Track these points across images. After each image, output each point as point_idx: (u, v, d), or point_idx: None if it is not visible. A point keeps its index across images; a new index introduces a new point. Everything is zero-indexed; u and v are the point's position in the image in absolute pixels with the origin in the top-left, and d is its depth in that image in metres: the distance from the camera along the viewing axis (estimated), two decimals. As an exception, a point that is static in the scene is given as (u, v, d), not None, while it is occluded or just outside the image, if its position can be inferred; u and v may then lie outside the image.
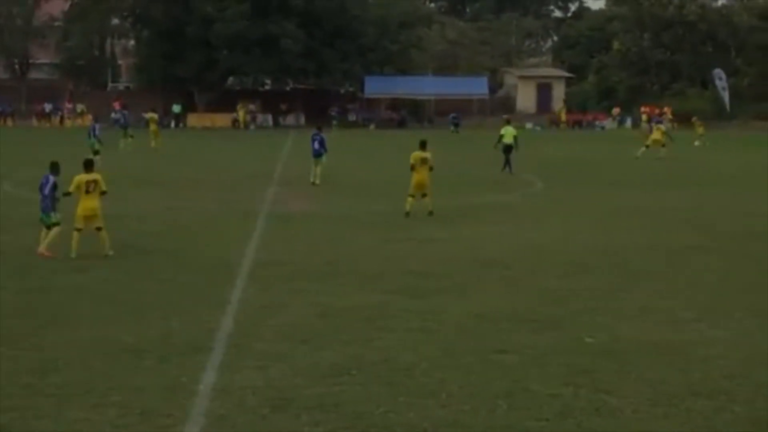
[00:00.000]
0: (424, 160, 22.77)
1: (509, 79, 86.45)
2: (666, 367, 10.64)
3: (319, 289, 14.78)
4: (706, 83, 75.36)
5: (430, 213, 22.69)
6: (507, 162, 34.10)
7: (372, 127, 72.71)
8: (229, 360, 10.83)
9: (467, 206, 25.27)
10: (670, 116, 66.29)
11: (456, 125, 61.21)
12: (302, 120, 74.21)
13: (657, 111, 69.94)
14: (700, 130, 51.79)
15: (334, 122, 67.40)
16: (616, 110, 74.52)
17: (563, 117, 74.60)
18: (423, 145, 23.03)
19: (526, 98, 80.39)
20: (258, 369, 10.45)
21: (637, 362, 10.81)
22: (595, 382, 10.06)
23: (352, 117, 75.91)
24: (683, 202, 26.51)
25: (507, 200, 26.92)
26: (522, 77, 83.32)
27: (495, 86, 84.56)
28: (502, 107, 77.45)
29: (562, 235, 20.50)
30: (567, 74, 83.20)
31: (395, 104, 77.58)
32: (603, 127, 72.90)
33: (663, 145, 41.38)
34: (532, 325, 12.51)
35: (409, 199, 22.85)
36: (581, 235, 20.51)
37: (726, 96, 71.76)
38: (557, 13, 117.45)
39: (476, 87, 76.78)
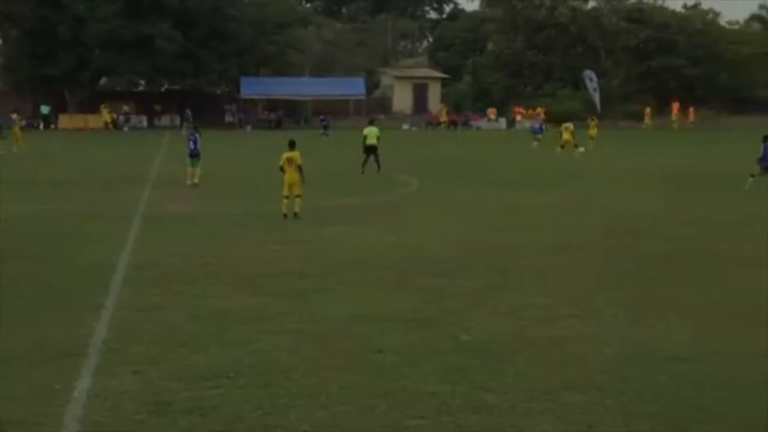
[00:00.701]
0: (290, 160, 22.71)
1: (386, 80, 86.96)
2: (542, 364, 10.81)
3: (195, 291, 14.59)
4: (578, 84, 77.05)
5: (295, 215, 22.58)
6: (366, 162, 34.41)
7: (249, 128, 72.24)
8: (104, 365, 10.60)
9: (346, 207, 25.32)
10: (543, 116, 67.57)
11: (325, 128, 58.31)
12: (177, 121, 73.30)
13: (530, 111, 71.45)
14: (593, 131, 49.71)
15: (186, 122, 65.10)
16: (491, 111, 75.61)
17: (444, 117, 75.11)
18: (291, 145, 22.97)
19: (402, 99, 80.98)
20: (134, 374, 10.25)
21: (513, 359, 10.95)
22: (472, 379, 10.16)
23: (228, 118, 75.26)
24: (558, 200, 27.02)
25: (384, 200, 27.03)
26: (398, 78, 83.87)
27: (372, 87, 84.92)
28: (379, 108, 77.94)
29: (439, 235, 20.68)
30: (442, 75, 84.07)
31: (272, 105, 77.25)
32: (479, 128, 73.86)
33: (575, 145, 42.11)
34: (410, 324, 12.57)
35: (284, 200, 22.78)
36: (458, 235, 20.72)
37: (597, 96, 73.51)
38: (432, 15, 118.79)
39: (353, 88, 77.02)
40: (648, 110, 71.71)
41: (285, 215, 22.59)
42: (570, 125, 44.54)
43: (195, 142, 30.19)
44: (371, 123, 36.39)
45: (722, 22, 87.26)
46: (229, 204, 26.24)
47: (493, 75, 79.55)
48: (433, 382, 10.03)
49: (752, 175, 28.62)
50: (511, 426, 8.88)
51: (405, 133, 69.08)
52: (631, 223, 22.42)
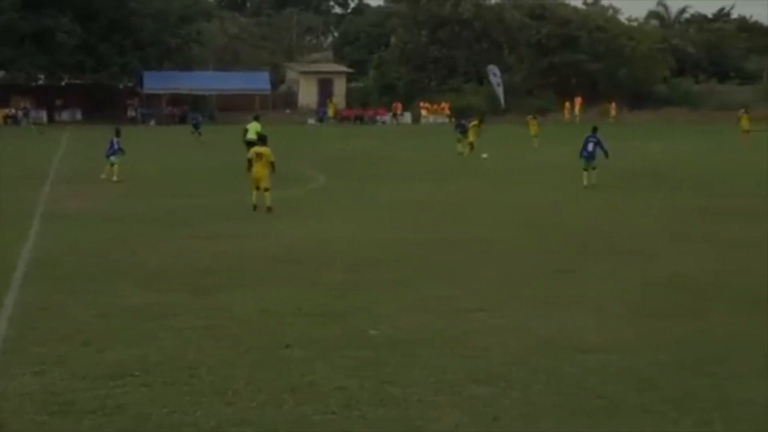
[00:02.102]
0: (259, 155, 23.13)
1: (291, 75, 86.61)
2: (449, 357, 10.91)
3: (99, 288, 14.37)
4: (482, 79, 77.73)
5: (268, 209, 22.93)
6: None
7: (152, 123, 71.29)
8: (5, 366, 10.37)
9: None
10: (447, 111, 68.03)
11: (196, 126, 52.24)
12: (78, 116, 71.99)
13: (435, 106, 71.81)
14: (534, 129, 48.83)
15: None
16: (396, 105, 75.81)
17: (332, 112, 73.85)
18: (262, 140, 23.78)
19: (307, 94, 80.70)
20: (36, 374, 10.06)
21: (420, 353, 11.03)
22: (379, 373, 10.20)
23: (131, 113, 74.12)
24: (465, 195, 27.27)
25: (292, 196, 26.92)
26: (303, 73, 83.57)
27: (277, 82, 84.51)
28: (284, 103, 77.57)
29: (346, 230, 20.70)
30: (347, 70, 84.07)
31: (176, 100, 76.25)
32: (384, 122, 74.03)
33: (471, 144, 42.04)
34: (318, 319, 12.57)
35: (254, 192, 23.26)
36: (366, 229, 20.77)
37: (501, 92, 74.24)
38: (337, 10, 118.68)
39: (258, 82, 76.45)
40: (567, 105, 72.51)
41: (255, 207, 23.07)
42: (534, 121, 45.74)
43: (112, 144, 30.37)
44: (256, 119, 35.90)
45: (622, 18, 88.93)
46: (134, 200, 25.87)
47: (397, 70, 79.77)
48: (341, 377, 10.05)
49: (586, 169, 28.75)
50: (417, 419, 8.94)
51: (310, 128, 68.92)
52: (539, 216, 22.74)
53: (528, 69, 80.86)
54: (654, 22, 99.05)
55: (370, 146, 48.55)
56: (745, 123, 45.80)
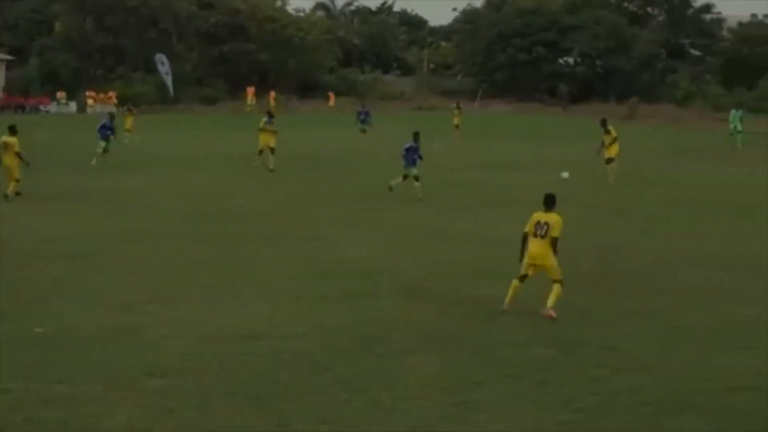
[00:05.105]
0: (6, 145, 23.41)
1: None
2: (120, 351, 10.69)
3: None
4: (151, 68, 76.48)
5: (5, 196, 22.99)
6: None
7: None
8: None
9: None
10: (115, 101, 66.42)
11: None
12: None
13: (101, 95, 69.89)
14: (457, 120, 47.17)
15: None
16: (60, 94, 72.98)
17: None
18: (11, 130, 23.82)
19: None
20: None
21: (90, 349, 10.74)
22: (45, 373, 9.84)
23: None
24: (133, 185, 26.70)
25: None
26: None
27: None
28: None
29: (17, 224, 19.70)
30: (8, 57, 80.00)
31: None
32: (48, 111, 71.07)
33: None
34: (-21, 319, 11.94)
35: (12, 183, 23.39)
36: (34, 224, 19.89)
37: (170, 81, 73.33)
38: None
39: None
40: (251, 90, 72.38)
41: (5, 196, 23.05)
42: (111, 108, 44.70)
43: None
44: None
45: (290, 9, 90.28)
46: None
47: (61, 57, 76.84)
48: (5, 379, 9.59)
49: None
50: (89, 416, 8.71)
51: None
52: (208, 205, 22.70)
53: (198, 58, 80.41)
54: (320, 13, 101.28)
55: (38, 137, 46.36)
56: (456, 119, 46.89)
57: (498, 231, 18.90)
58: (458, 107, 48.73)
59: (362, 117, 42.58)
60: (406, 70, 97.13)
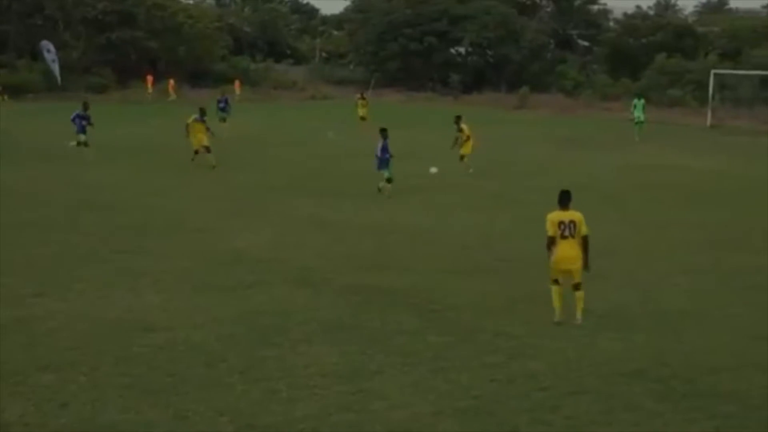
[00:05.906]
0: None
1: None
2: (9, 346, 10.48)
3: None
4: (36, 55, 74.70)
5: None
6: None
7: None
8: None
9: None
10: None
11: None
12: None
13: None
14: (364, 111, 45.96)
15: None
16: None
17: None
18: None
19: None
20: None
21: (-22, 343, 10.50)
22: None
23: None
24: (21, 176, 26.08)
25: None
26: None
27: None
28: None
29: None
30: None
31: None
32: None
33: None
34: None
35: None
36: None
37: (56, 68, 71.74)
38: None
39: None
40: (150, 78, 71.13)
41: None
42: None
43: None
44: None
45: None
46: None
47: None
48: None
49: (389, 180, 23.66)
50: (-22, 414, 8.53)
51: None
52: (97, 197, 22.29)
53: (85, 45, 78.76)
54: (210, 1, 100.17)
55: None
56: (362, 110, 46.28)
57: (388, 220, 19.04)
58: (363, 97, 48.30)
59: (222, 105, 42.44)
60: (299, 59, 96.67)
